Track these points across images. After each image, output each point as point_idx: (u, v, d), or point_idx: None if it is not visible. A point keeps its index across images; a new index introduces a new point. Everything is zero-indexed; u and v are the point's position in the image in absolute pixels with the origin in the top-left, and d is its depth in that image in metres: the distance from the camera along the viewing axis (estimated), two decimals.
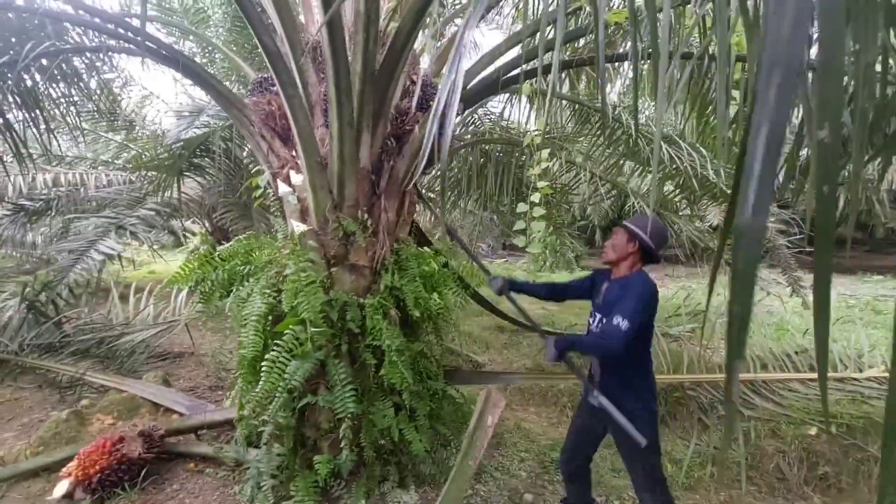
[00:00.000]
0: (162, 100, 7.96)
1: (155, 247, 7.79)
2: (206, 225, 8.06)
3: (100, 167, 7.03)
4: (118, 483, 2.30)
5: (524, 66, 1.92)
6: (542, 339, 2.09)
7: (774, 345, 4.38)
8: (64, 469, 2.31)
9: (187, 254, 9.08)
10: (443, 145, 1.16)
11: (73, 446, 2.56)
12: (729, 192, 4.17)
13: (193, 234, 10.03)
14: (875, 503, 2.41)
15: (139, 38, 2.38)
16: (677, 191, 4.57)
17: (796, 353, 3.55)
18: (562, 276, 10.65)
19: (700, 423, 3.08)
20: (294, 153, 2.54)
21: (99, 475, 2.23)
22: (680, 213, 4.88)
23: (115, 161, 7.29)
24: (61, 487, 2.24)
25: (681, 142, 3.68)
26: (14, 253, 7.57)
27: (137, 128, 7.39)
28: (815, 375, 3.26)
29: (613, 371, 1.89)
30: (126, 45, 2.45)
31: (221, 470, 2.57)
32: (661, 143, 3.74)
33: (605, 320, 1.87)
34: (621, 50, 2.54)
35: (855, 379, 3.18)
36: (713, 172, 4.02)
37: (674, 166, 3.81)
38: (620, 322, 1.70)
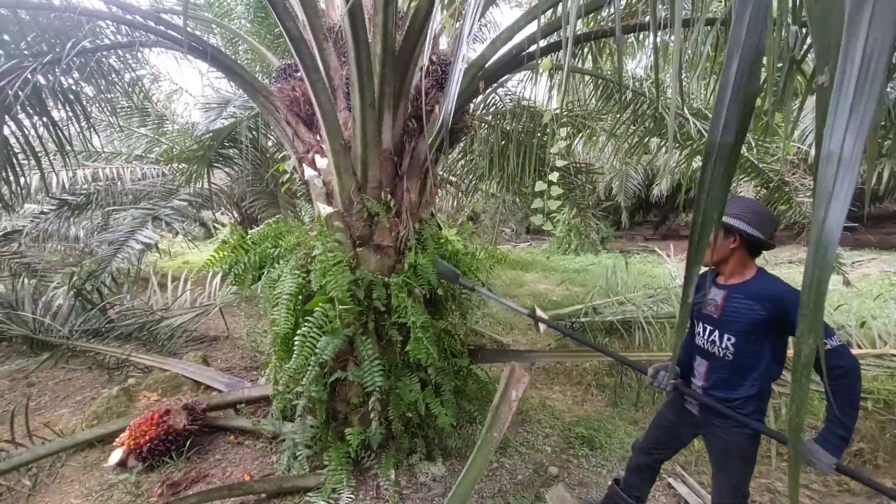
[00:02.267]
0: (189, 93, 8.22)
1: (188, 237, 8.12)
2: (235, 214, 8.32)
3: (134, 161, 7.33)
4: (166, 452, 2.47)
5: (539, 43, 1.90)
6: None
7: None
8: (117, 440, 2.50)
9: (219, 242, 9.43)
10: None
11: (123, 420, 2.75)
12: (762, 165, 4.04)
13: (223, 225, 10.37)
14: None
15: (169, 32, 2.47)
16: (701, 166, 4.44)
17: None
18: (587, 259, 10.55)
19: None
20: (318, 137, 2.60)
21: (149, 444, 2.40)
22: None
23: (148, 155, 7.58)
24: (115, 456, 2.43)
25: (709, 114, 3.58)
26: (59, 246, 8.02)
27: (167, 122, 7.65)
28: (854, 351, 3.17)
29: (726, 386, 1.63)
30: (159, 39, 2.55)
31: (259, 442, 2.72)
32: (690, 117, 3.64)
33: (726, 337, 1.60)
34: (647, 19, 2.47)
35: (894, 355, 3.07)
36: (745, 146, 3.89)
37: (702, 140, 3.70)
38: (828, 343, 1.42)
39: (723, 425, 1.63)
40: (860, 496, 2.37)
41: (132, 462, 2.41)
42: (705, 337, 1.69)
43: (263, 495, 2.21)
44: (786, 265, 8.48)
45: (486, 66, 2.51)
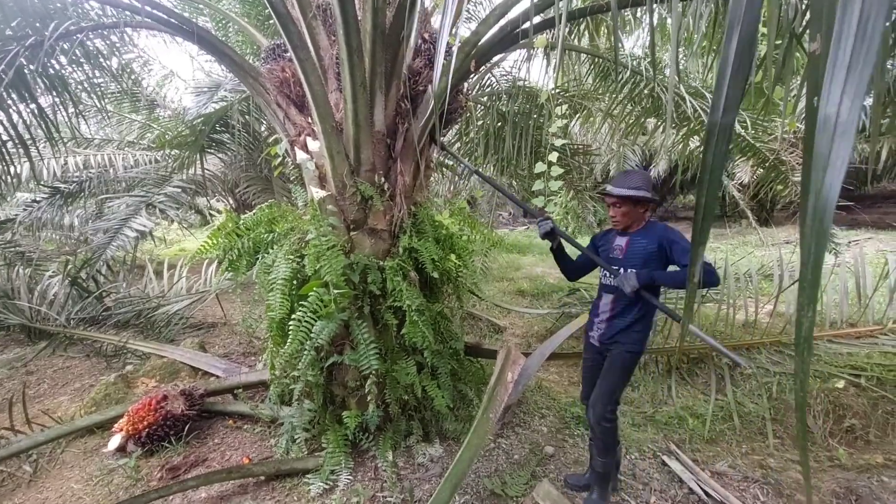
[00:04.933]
0: (180, 77, 8.09)
1: (184, 225, 8.07)
2: (230, 201, 8.27)
3: (125, 148, 7.24)
4: (165, 437, 2.49)
5: (533, 20, 1.84)
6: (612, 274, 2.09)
7: None
8: (116, 425, 2.51)
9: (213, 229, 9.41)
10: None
11: (121, 406, 2.76)
12: (758, 145, 4.00)
13: (219, 212, 10.31)
14: None
15: (156, 13, 2.40)
16: (703, 146, 4.39)
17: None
18: (584, 242, 10.52)
19: (720, 378, 3.08)
20: (310, 120, 2.56)
21: (147, 430, 2.42)
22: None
23: (140, 141, 7.48)
24: (114, 441, 2.44)
25: (706, 93, 3.53)
26: (54, 235, 7.97)
27: (159, 107, 7.53)
28: (843, 332, 3.19)
29: (623, 312, 2.04)
30: (143, 19, 2.48)
31: (258, 426, 2.74)
32: (687, 96, 3.59)
33: (629, 270, 1.98)
34: None
35: (886, 333, 3.09)
36: (740, 125, 3.85)
37: (699, 120, 3.66)
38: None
39: (615, 347, 2.05)
40: (851, 471, 2.41)
41: (131, 447, 2.43)
42: (611, 277, 2.07)
43: (262, 478, 2.24)
44: (783, 245, 8.49)
45: (480, 43, 2.46)
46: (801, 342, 0.48)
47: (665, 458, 2.50)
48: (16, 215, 6.77)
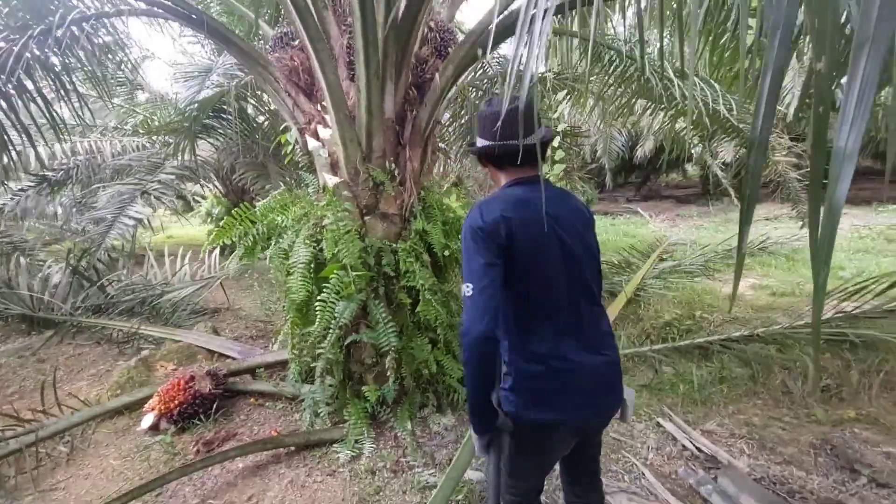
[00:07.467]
0: (160, 58, 7.92)
1: (174, 211, 8.00)
2: (220, 187, 8.20)
3: (110, 133, 7.10)
4: (195, 415, 2.62)
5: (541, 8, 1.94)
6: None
7: (785, 274, 4.55)
8: (147, 405, 2.63)
9: (202, 216, 9.38)
10: None
11: (146, 388, 2.88)
12: (741, 126, 4.17)
13: (203, 197, 10.18)
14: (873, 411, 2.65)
15: (165, 2, 2.43)
16: (689, 127, 4.55)
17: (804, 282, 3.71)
18: None
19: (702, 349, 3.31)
20: (319, 107, 2.63)
21: (178, 408, 2.54)
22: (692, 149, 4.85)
23: (124, 127, 7.33)
24: (147, 420, 2.57)
25: (693, 77, 3.66)
26: (38, 224, 7.83)
27: (144, 92, 7.38)
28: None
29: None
30: (150, 7, 2.51)
31: (279, 403, 2.88)
32: (673, 78, 3.72)
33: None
34: None
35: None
36: (725, 107, 4.01)
37: (685, 101, 3.80)
38: (464, 289, 1.08)
39: None
40: (826, 425, 2.66)
41: (164, 425, 2.56)
42: None
43: (293, 448, 2.39)
44: (762, 222, 8.81)
45: (483, 34, 2.54)
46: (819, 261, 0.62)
47: (660, 419, 2.72)
48: (4, 204, 6.66)
